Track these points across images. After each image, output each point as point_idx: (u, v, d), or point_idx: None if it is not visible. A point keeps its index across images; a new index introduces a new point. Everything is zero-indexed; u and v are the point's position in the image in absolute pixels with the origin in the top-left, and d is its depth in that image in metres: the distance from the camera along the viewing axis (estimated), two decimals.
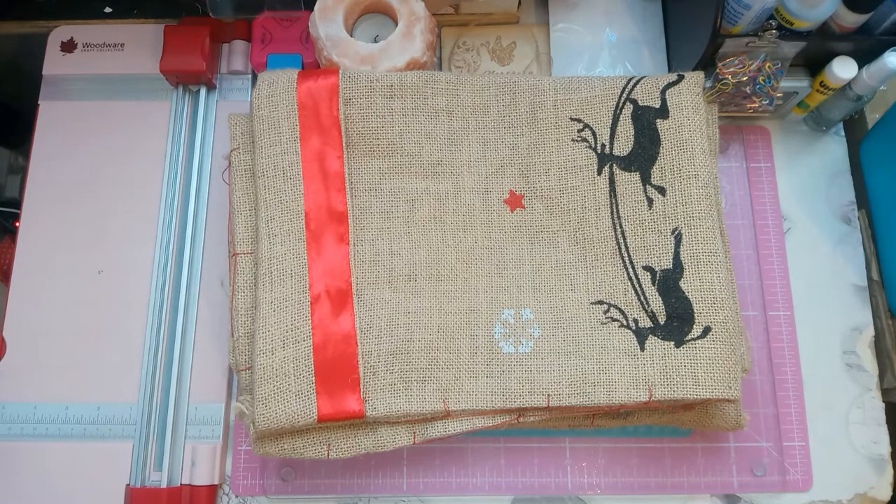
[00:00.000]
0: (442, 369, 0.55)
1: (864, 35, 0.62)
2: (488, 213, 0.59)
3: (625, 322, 0.56)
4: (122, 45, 0.71)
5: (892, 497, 0.60)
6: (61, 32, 0.71)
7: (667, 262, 0.57)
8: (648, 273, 0.57)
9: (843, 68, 0.61)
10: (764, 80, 0.62)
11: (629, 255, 0.58)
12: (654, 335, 0.55)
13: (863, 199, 0.67)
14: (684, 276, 0.56)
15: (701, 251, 0.57)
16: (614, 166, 0.59)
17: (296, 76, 0.59)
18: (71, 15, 0.72)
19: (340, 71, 0.59)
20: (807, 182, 0.68)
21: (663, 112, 0.59)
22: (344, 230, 0.56)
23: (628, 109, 0.60)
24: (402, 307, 0.56)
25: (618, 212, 0.59)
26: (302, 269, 0.55)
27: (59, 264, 0.65)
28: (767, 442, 0.61)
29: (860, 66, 0.61)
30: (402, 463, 0.60)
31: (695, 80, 0.60)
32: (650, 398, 0.54)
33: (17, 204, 0.69)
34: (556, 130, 0.60)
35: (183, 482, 0.59)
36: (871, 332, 0.64)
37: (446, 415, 0.55)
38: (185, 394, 0.61)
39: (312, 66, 0.66)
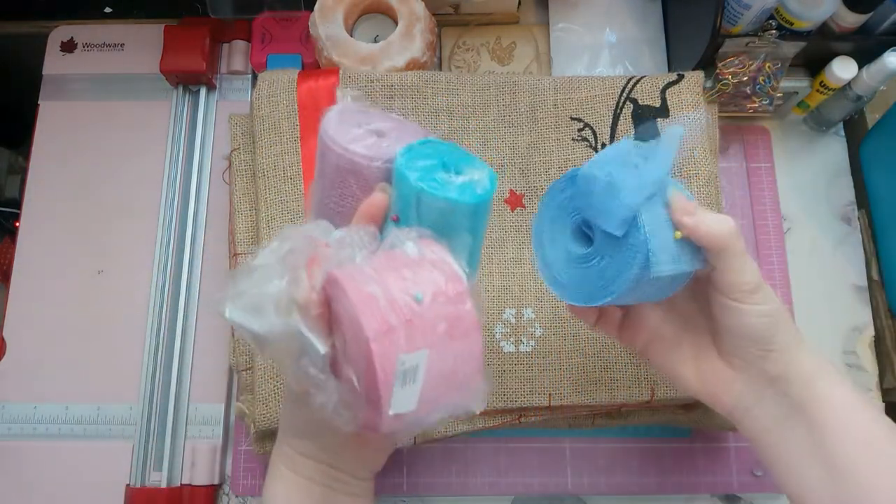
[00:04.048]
0: None
1: (864, 35, 0.62)
2: None
3: None
4: (122, 45, 0.71)
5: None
6: (61, 32, 0.71)
7: None
8: None
9: (843, 68, 0.61)
10: (764, 80, 0.62)
11: None
12: None
13: (863, 199, 0.67)
14: None
15: None
16: None
17: (296, 76, 0.59)
18: (71, 15, 0.72)
19: (340, 71, 0.59)
20: (807, 182, 0.68)
21: (663, 111, 0.59)
22: None
23: (628, 109, 0.60)
24: None
25: None
26: None
27: (59, 264, 0.65)
28: None
29: (860, 66, 0.61)
30: (402, 463, 0.60)
31: (695, 79, 0.60)
32: (652, 398, 0.54)
33: (17, 204, 0.69)
34: (557, 130, 0.60)
35: (183, 482, 0.59)
36: (871, 332, 0.64)
37: None
38: (185, 394, 0.61)
39: (312, 66, 0.66)
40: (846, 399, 0.39)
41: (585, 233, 0.40)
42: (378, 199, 0.38)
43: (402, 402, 0.32)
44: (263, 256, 0.34)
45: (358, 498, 0.42)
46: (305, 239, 0.35)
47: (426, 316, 0.32)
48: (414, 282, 0.33)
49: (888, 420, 0.39)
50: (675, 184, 0.39)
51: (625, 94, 0.60)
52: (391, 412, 0.32)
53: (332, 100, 0.58)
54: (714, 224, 0.37)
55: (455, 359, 0.33)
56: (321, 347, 0.33)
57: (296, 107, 0.58)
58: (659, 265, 0.37)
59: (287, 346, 0.33)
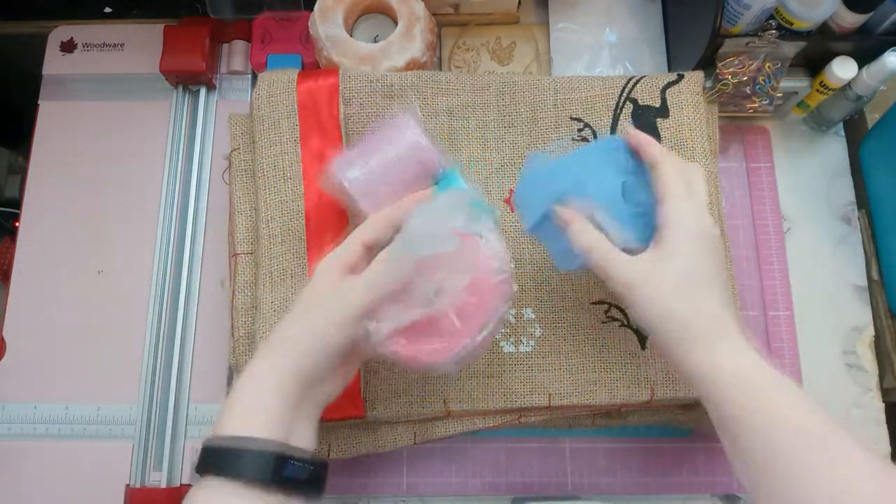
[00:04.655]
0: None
1: (864, 35, 0.62)
2: None
3: (625, 322, 0.56)
4: (122, 45, 0.71)
5: None
6: (61, 32, 0.71)
7: None
8: None
9: (843, 68, 0.61)
10: (764, 80, 0.62)
11: None
12: None
13: (863, 199, 0.67)
14: None
15: None
16: None
17: (296, 76, 0.59)
18: (71, 15, 0.72)
19: (340, 71, 0.59)
20: (807, 182, 0.68)
21: (663, 111, 0.59)
22: (343, 230, 0.56)
23: (628, 108, 0.60)
24: None
25: None
26: (302, 268, 0.55)
27: (59, 264, 0.65)
28: None
29: (860, 66, 0.61)
30: (402, 463, 0.60)
31: (694, 79, 0.60)
32: (652, 398, 0.54)
33: (17, 204, 0.69)
34: (557, 130, 0.60)
35: (183, 482, 0.59)
36: (871, 332, 0.64)
37: (447, 415, 0.55)
38: (185, 394, 0.61)
39: (312, 66, 0.66)
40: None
41: None
42: (426, 194, 0.49)
43: (480, 335, 0.44)
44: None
45: None
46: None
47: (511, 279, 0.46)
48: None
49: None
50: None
51: (625, 94, 0.60)
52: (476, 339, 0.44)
53: (332, 100, 0.58)
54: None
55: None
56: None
57: (295, 107, 0.58)
58: (559, 266, 0.50)
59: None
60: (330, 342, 0.42)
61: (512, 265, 0.46)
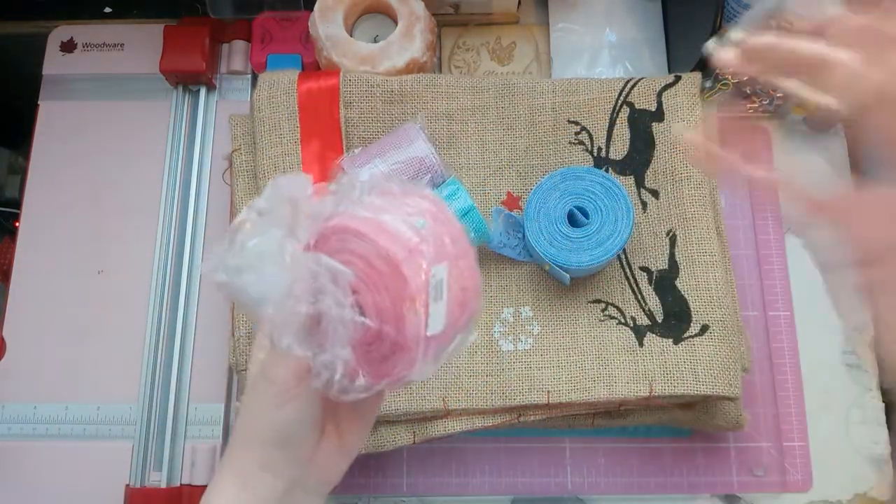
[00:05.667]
0: (441, 368, 0.55)
1: None
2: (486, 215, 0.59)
3: (623, 319, 0.56)
4: (122, 45, 0.71)
5: (893, 497, 0.60)
6: (61, 32, 0.71)
7: (662, 263, 0.57)
8: (645, 273, 0.57)
9: None
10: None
11: (626, 256, 0.58)
12: (653, 332, 0.56)
13: None
14: (680, 276, 0.56)
15: (696, 251, 0.57)
16: (610, 170, 0.59)
17: (296, 78, 0.59)
18: (71, 15, 0.72)
19: (341, 74, 0.59)
20: (807, 182, 0.68)
21: (658, 115, 0.59)
22: None
23: (625, 112, 0.60)
24: None
25: None
26: None
27: (59, 264, 0.65)
28: (767, 442, 0.61)
29: None
30: (402, 463, 0.60)
31: (691, 81, 0.60)
32: (651, 393, 0.54)
33: (17, 204, 0.69)
34: (554, 132, 0.60)
35: (182, 482, 0.59)
36: (871, 332, 0.64)
37: (446, 414, 0.55)
38: (185, 394, 0.61)
39: (312, 66, 0.66)
40: None
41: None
42: None
43: (436, 321, 0.32)
44: (249, 212, 0.34)
45: None
46: (291, 191, 0.34)
47: (435, 234, 0.33)
48: (409, 209, 0.33)
49: None
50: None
51: (622, 98, 0.60)
52: (429, 332, 0.32)
53: (332, 102, 0.58)
54: None
55: (463, 274, 0.34)
56: (349, 273, 0.31)
57: (296, 108, 0.58)
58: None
59: (292, 303, 0.32)
60: (273, 421, 0.36)
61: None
